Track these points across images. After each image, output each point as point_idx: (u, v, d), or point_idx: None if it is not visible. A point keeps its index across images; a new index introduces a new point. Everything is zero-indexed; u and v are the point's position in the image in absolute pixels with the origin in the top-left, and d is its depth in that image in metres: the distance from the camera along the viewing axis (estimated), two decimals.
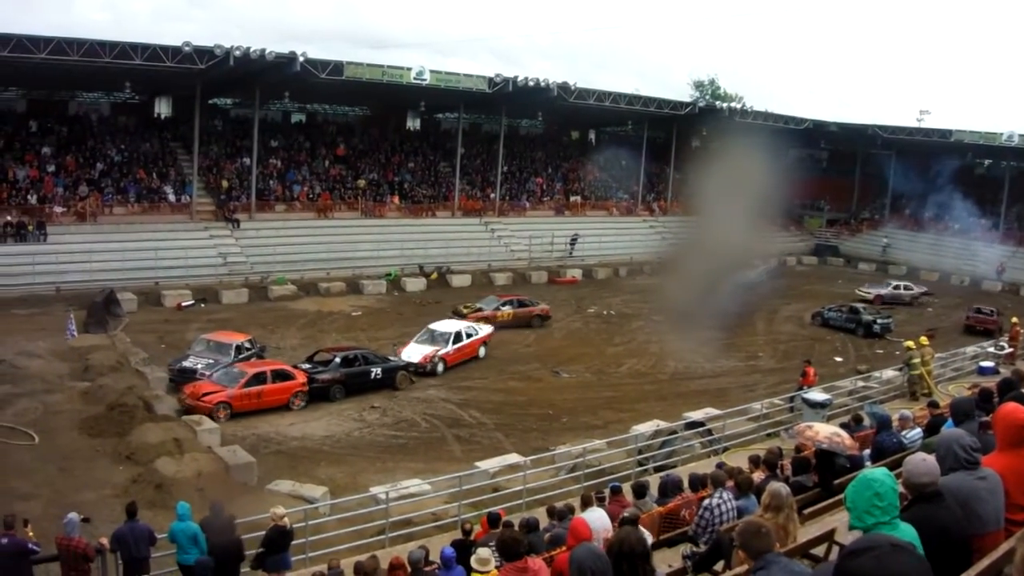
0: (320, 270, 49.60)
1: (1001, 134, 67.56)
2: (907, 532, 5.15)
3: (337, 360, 32.04)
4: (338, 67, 49.55)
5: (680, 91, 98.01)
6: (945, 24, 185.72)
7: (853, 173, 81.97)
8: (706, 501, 12.57)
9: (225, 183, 53.37)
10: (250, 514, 17.27)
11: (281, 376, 30.07)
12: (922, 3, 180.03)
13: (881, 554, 4.36)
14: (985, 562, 5.16)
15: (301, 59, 47.07)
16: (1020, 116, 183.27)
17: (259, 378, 29.40)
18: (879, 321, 46.44)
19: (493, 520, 15.14)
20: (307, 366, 31.84)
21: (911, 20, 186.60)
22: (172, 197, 51.30)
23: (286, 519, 15.75)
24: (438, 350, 35.45)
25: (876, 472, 5.33)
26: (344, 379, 31.59)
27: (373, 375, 32.41)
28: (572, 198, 69.38)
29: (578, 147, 77.56)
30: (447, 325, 37.66)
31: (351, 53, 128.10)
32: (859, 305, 49.10)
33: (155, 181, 51.82)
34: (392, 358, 34.16)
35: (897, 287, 57.08)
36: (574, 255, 61.06)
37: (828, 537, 6.98)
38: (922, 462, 5.84)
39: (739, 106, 78.89)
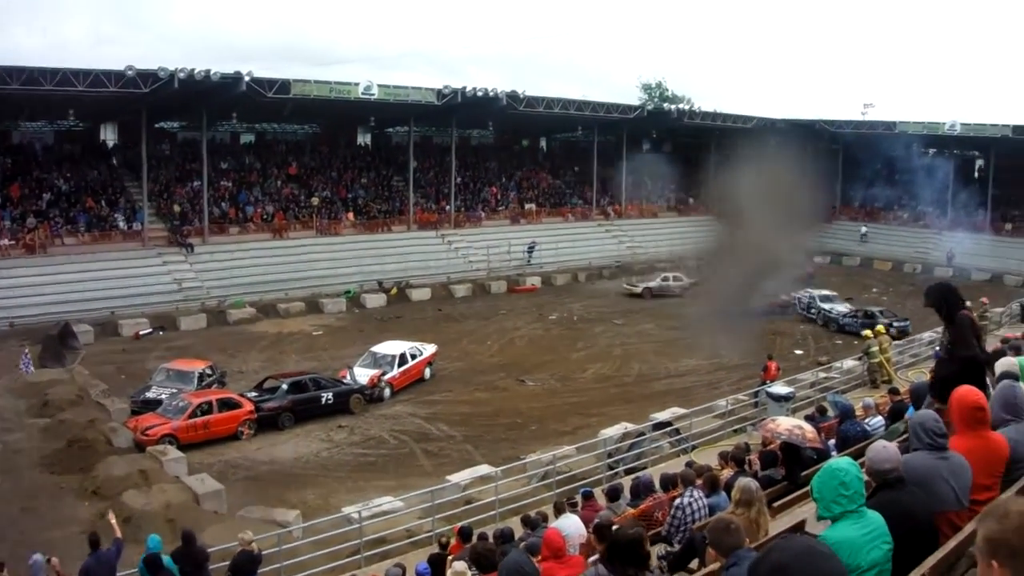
0: (278, 291, 49.32)
1: (944, 123, 68.60)
2: (874, 519, 5.23)
3: (284, 387, 31.20)
4: (285, 85, 49.38)
5: (629, 94, 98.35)
6: (884, 17, 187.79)
7: (803, 169, 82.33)
8: (677, 501, 12.59)
9: (177, 208, 52.95)
10: (222, 542, 17.12)
11: (228, 405, 29.39)
12: None
13: (789, 558, 4.32)
14: (951, 544, 5.23)
15: (247, 79, 46.90)
16: (961, 105, 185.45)
17: (205, 408, 28.73)
18: (895, 324, 45.48)
19: (465, 534, 15.09)
20: (254, 394, 31.13)
21: (850, 15, 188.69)
22: (123, 225, 50.77)
23: (254, 544, 15.59)
24: (383, 373, 34.40)
25: (841, 462, 5.42)
26: (292, 406, 30.73)
27: (324, 400, 31.56)
28: (527, 206, 69.54)
29: (530, 155, 77.83)
30: (390, 347, 36.42)
31: (295, 71, 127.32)
32: (874, 309, 48.61)
33: (104, 209, 51.27)
34: (346, 381, 33.29)
35: (666, 278, 56.82)
36: (532, 263, 61.07)
37: (799, 528, 6.96)
38: (883, 449, 5.93)
39: (687, 107, 79.45)
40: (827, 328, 46.03)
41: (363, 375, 33.92)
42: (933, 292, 9.35)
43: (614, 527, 11.04)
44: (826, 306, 48.02)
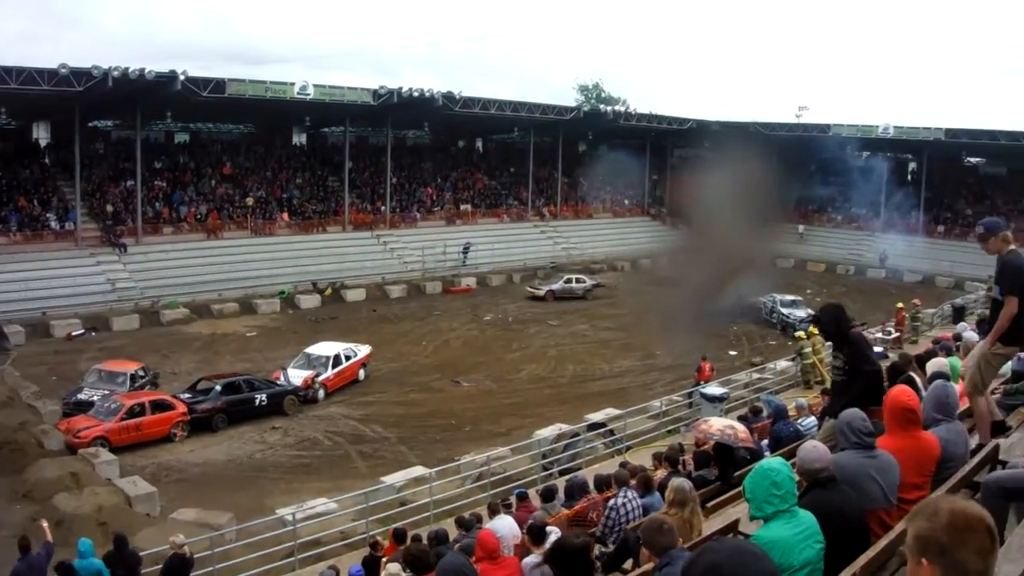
0: (212, 291, 48.84)
1: (877, 127, 69.56)
2: (806, 519, 5.33)
3: (218, 388, 30.99)
4: (220, 84, 48.99)
5: (566, 96, 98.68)
6: (817, 21, 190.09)
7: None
8: (611, 501, 12.68)
9: (110, 207, 52.29)
10: (154, 546, 17.06)
11: (160, 407, 29.10)
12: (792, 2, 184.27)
13: (721, 559, 4.52)
14: (883, 542, 5.34)
15: (182, 77, 46.45)
16: (895, 108, 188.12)
17: (137, 410, 28.42)
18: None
19: (399, 536, 15.15)
20: (187, 395, 30.84)
21: (783, 18, 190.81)
22: (55, 224, 50.05)
23: (186, 547, 15.56)
24: (317, 374, 34.21)
25: (772, 462, 5.51)
26: (226, 407, 30.51)
27: (258, 401, 31.38)
28: (463, 207, 69.44)
29: (466, 156, 77.69)
30: (324, 348, 36.28)
31: (229, 70, 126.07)
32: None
33: (37, 208, 50.48)
34: (280, 382, 33.11)
35: (569, 280, 56.81)
36: (468, 263, 61.04)
37: (732, 528, 7.11)
38: (813, 449, 6.06)
39: (623, 109, 79.85)
40: (785, 333, 45.93)
41: (297, 376, 33.71)
42: (829, 312, 9.28)
43: (558, 533, 11.25)
44: (785, 311, 47.91)
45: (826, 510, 5.52)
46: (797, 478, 5.65)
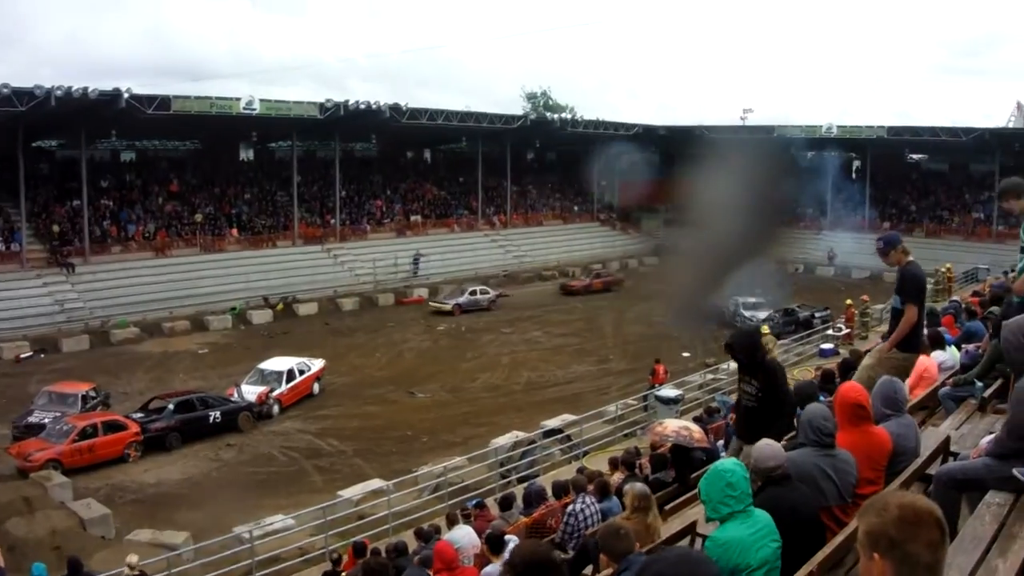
0: (163, 310, 48.34)
1: (821, 126, 70.37)
2: (761, 518, 5.39)
3: (171, 407, 30.65)
4: (165, 101, 48.58)
5: (513, 104, 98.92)
6: (760, 23, 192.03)
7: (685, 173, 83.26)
8: (570, 507, 12.71)
9: (56, 228, 51.61)
10: (110, 568, 16.92)
11: (113, 428, 28.84)
12: (737, 4, 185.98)
13: (667, 567, 4.57)
14: (839, 539, 5.37)
15: (126, 95, 46.01)
16: (838, 108, 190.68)
17: (89, 432, 28.13)
18: (817, 315, 46.47)
19: (359, 550, 15.14)
20: (140, 415, 30.52)
21: (727, 21, 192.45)
22: (1, 246, 49.44)
23: (139, 569, 15.45)
24: (271, 390, 34.05)
25: (726, 463, 5.58)
26: (179, 426, 30.26)
27: (212, 419, 31.14)
28: (412, 218, 69.18)
29: (414, 167, 77.45)
30: (277, 363, 36.16)
31: (173, 86, 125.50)
32: (793, 306, 49.37)
33: None
34: (234, 399, 32.95)
35: (474, 292, 56.15)
36: (419, 274, 60.90)
37: (690, 530, 7.16)
38: (767, 447, 6.12)
39: (570, 116, 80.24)
40: None
41: (251, 392, 33.53)
42: (742, 340, 9.17)
43: (516, 542, 11.26)
44: (747, 313, 48.07)
45: (780, 507, 5.57)
46: (752, 477, 5.69)
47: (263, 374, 35.17)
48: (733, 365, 34.55)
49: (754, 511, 5.41)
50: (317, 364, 37.44)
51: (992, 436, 6.08)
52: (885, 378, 7.67)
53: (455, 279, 61.69)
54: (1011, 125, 70.07)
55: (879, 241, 8.97)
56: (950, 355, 12.21)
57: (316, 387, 36.75)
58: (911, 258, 8.96)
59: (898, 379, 7.80)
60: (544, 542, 10.46)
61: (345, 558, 15.98)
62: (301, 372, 35.88)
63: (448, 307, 54.21)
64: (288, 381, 34.89)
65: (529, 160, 78.54)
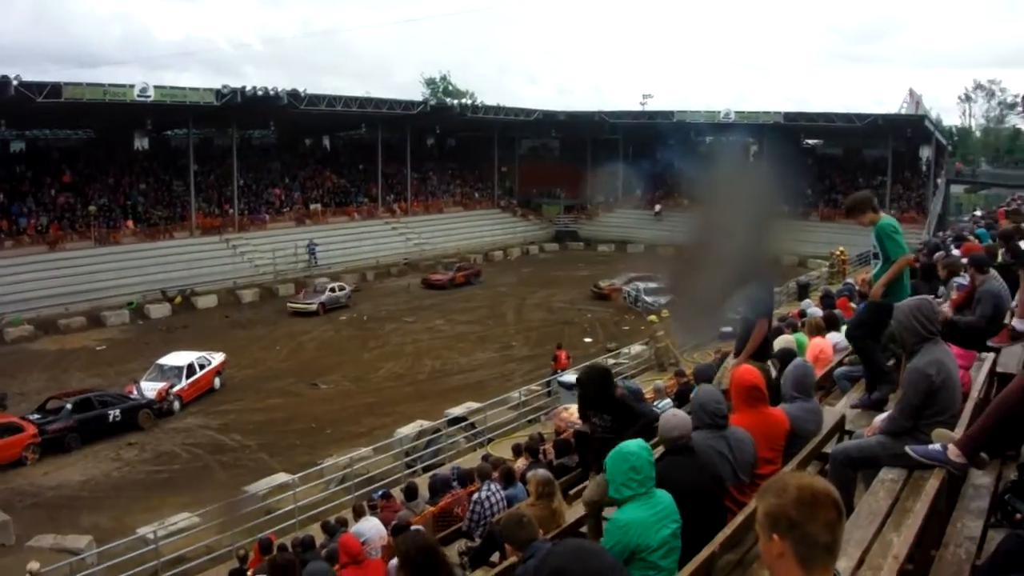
0: (57, 306, 47.01)
1: (720, 112, 71.50)
2: (662, 499, 5.51)
3: (69, 407, 29.88)
4: (56, 89, 47.30)
5: (412, 90, 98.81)
6: (658, 9, 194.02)
7: (585, 159, 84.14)
8: (475, 495, 12.86)
9: None
10: None
11: (9, 430, 28.13)
12: None
13: (564, 562, 4.73)
14: (739, 519, 5.52)
15: (15, 82, 44.75)
16: (734, 93, 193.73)
17: None
18: None
19: (264, 546, 15.13)
20: (36, 416, 29.71)
21: (624, 7, 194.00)
22: None
23: None
24: (171, 385, 33.56)
25: (631, 445, 5.63)
26: (78, 426, 29.51)
27: (111, 417, 30.46)
28: (312, 206, 68.64)
29: (313, 154, 76.76)
30: (177, 358, 35.53)
31: (63, 73, 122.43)
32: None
33: None
34: (134, 397, 32.29)
35: (333, 289, 53.40)
36: (319, 264, 60.46)
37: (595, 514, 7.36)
38: (673, 417, 6.33)
39: (470, 102, 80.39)
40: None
41: (151, 389, 32.95)
42: (592, 377, 8.90)
43: (409, 536, 11.31)
44: (649, 298, 47.85)
45: (679, 476, 5.76)
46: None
47: (163, 370, 34.57)
48: (635, 349, 35.26)
49: (656, 492, 5.51)
50: (218, 358, 36.97)
51: (885, 415, 6.34)
52: (798, 361, 8.08)
53: (356, 268, 61.61)
54: (904, 111, 71.84)
55: None
56: (844, 336, 12.50)
57: (217, 381, 36.28)
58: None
59: (810, 364, 8.10)
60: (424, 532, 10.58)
61: (251, 555, 15.95)
62: (202, 367, 35.39)
63: (313, 307, 50.83)
64: (188, 376, 34.37)
65: (429, 146, 78.35)
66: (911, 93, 74.56)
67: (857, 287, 19.36)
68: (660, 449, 6.28)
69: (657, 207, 76.59)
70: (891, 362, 9.34)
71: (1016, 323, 7.70)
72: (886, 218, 8.58)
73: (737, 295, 9.27)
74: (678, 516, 5.52)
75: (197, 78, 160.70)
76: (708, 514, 5.79)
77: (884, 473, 5.67)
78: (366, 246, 65.57)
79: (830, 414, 7.85)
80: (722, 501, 6.20)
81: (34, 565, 15.21)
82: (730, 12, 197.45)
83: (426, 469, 23.47)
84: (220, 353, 37.67)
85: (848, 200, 8.95)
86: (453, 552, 12.22)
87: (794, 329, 15.72)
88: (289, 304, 51.79)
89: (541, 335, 44.50)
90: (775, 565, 2.99)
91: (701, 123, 72.69)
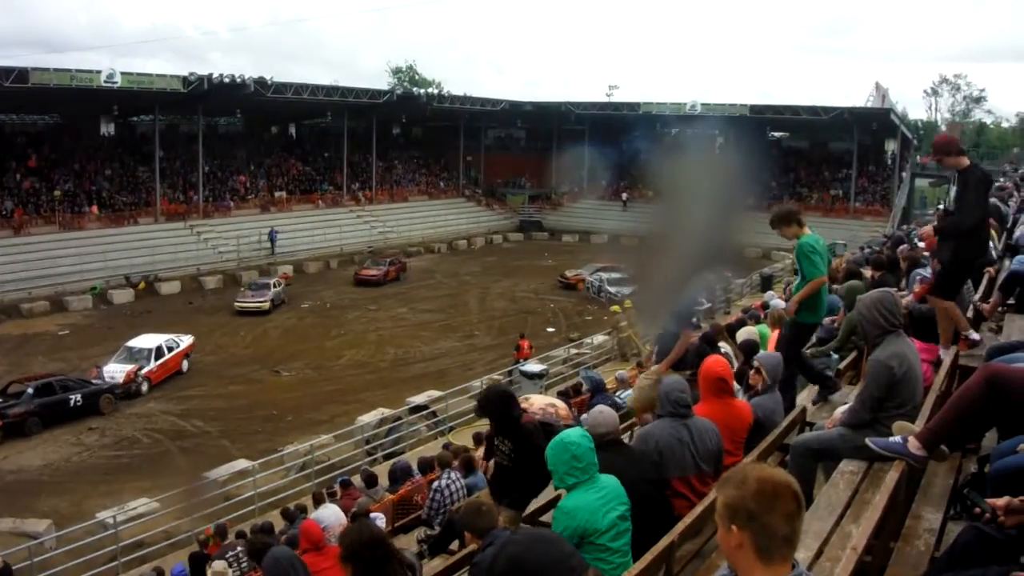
0: (20, 290, 46.78)
1: (686, 104, 71.76)
2: (608, 483, 5.67)
3: (29, 391, 29.76)
4: (23, 74, 47.15)
5: (379, 79, 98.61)
6: (626, 0, 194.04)
7: (551, 150, 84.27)
8: (435, 483, 13.01)
9: None
10: None
11: None
12: None
13: (521, 549, 4.95)
14: (698, 509, 5.67)
15: None
16: (700, 86, 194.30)
17: None
18: None
19: (220, 532, 15.33)
20: None
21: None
22: None
23: (2, 559, 15.36)
24: (140, 368, 33.69)
25: (571, 435, 5.80)
26: (39, 410, 29.35)
27: (73, 402, 30.35)
28: (277, 194, 68.43)
29: (279, 142, 76.55)
30: (145, 340, 35.63)
31: (29, 58, 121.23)
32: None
33: None
34: (95, 381, 32.20)
35: (278, 284, 50.83)
36: (281, 251, 60.33)
37: (555, 503, 7.37)
38: (600, 414, 6.54)
39: (436, 91, 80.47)
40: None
41: (119, 371, 33.06)
42: (494, 399, 8.20)
43: (383, 519, 11.55)
44: (613, 288, 47.72)
45: (611, 470, 5.83)
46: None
47: (131, 352, 34.66)
48: (598, 339, 35.57)
49: (600, 477, 5.65)
50: (186, 340, 37.23)
51: (846, 407, 6.43)
52: (775, 354, 8.20)
53: (320, 256, 61.58)
54: (870, 104, 72.38)
55: None
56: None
57: (185, 364, 36.49)
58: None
59: (779, 355, 8.32)
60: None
61: (211, 541, 16.16)
62: (170, 349, 35.59)
63: (266, 306, 47.62)
64: (157, 358, 34.57)
65: (395, 135, 78.16)
66: (877, 86, 75.01)
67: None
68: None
69: (624, 196, 76.70)
70: (853, 354, 9.67)
71: (970, 334, 7.85)
72: (808, 236, 8.64)
73: (676, 305, 9.50)
74: (626, 499, 5.67)
75: (164, 65, 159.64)
76: (647, 504, 5.93)
77: (844, 465, 5.79)
78: (331, 234, 65.28)
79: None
80: (661, 490, 6.33)
81: None
82: (697, 4, 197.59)
83: (387, 457, 23.66)
84: (188, 336, 37.94)
85: (772, 213, 8.94)
86: (412, 540, 12.49)
87: (757, 320, 16.09)
88: (236, 303, 47.86)
89: (504, 324, 44.72)
90: (733, 555, 3.06)
91: (667, 115, 72.87)
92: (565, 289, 53.88)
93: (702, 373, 7.23)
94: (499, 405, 8.03)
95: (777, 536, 2.95)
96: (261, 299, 47.87)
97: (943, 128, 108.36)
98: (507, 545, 4.91)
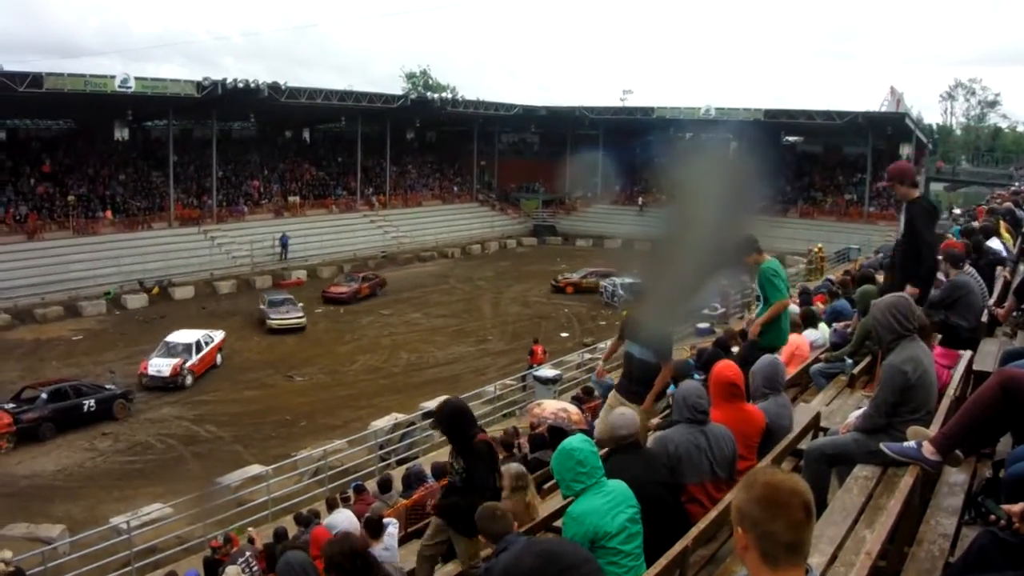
0: (34, 295, 46.93)
1: (700, 108, 71.55)
2: (615, 487, 5.66)
3: (44, 396, 29.84)
4: (38, 79, 47.22)
5: (392, 84, 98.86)
6: (638, 4, 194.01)
7: (564, 154, 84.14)
8: None
9: None
10: None
11: None
12: None
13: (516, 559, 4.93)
14: (712, 514, 5.64)
15: None
16: (714, 90, 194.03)
17: None
18: None
19: (228, 539, 15.33)
20: (11, 405, 29.61)
21: (608, 3, 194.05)
22: None
23: (13, 564, 15.35)
24: (184, 361, 34.61)
25: (573, 441, 5.78)
26: (53, 415, 29.46)
27: (86, 407, 30.44)
28: (291, 199, 68.47)
29: (293, 147, 76.68)
30: (184, 336, 36.51)
31: (44, 63, 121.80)
32: None
33: None
34: (109, 387, 32.39)
35: (287, 301, 47.36)
36: (294, 255, 60.49)
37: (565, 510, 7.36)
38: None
39: (450, 96, 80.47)
40: None
41: (165, 365, 34.11)
42: (448, 414, 7.85)
43: (396, 525, 11.49)
44: (626, 294, 47.06)
45: (623, 474, 5.84)
46: (601, 451, 5.96)
47: (170, 347, 35.48)
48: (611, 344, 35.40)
49: (607, 481, 5.64)
50: (218, 335, 38.37)
51: (860, 411, 6.38)
52: (768, 357, 8.08)
53: (334, 261, 61.65)
54: (884, 109, 72.14)
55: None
56: (821, 333, 12.73)
57: (219, 358, 37.55)
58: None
59: (779, 359, 8.30)
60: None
61: (225, 547, 16.11)
62: (207, 343, 36.63)
63: (303, 322, 45.50)
64: (197, 352, 35.50)
65: (409, 140, 78.19)
66: (892, 91, 74.77)
67: (835, 284, 19.71)
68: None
69: (640, 200, 76.54)
70: (867, 359, 9.63)
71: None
72: (769, 261, 8.85)
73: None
74: (634, 502, 5.65)
75: (176, 70, 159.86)
76: (660, 508, 5.90)
77: (858, 470, 5.75)
78: (344, 239, 65.50)
79: (806, 411, 8.03)
80: (676, 495, 6.31)
81: (6, 554, 15.27)
82: (712, 8, 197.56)
83: (400, 462, 23.59)
84: (220, 331, 38.95)
85: (732, 244, 8.94)
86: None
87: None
88: (272, 320, 44.77)
89: (517, 329, 44.69)
90: (742, 556, 3.06)
91: (681, 119, 72.44)
92: (556, 292, 54.27)
93: (713, 378, 7.21)
94: (451, 421, 7.76)
95: (780, 543, 2.93)
96: (298, 315, 45.50)
97: (958, 132, 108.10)
98: (523, 555, 4.87)
